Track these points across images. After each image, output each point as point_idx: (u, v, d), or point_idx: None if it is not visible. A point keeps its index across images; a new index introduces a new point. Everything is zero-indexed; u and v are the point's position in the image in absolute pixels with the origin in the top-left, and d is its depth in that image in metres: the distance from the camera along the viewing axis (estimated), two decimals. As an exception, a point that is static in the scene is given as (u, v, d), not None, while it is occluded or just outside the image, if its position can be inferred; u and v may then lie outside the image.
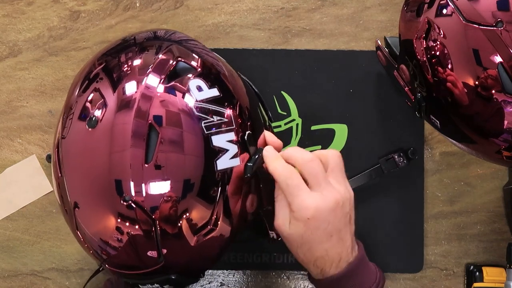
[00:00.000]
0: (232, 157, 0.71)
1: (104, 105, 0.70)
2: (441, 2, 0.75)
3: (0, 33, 1.02)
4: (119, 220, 0.68)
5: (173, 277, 0.71)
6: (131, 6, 1.02)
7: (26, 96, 1.01)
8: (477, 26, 0.72)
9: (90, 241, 0.72)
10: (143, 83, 0.70)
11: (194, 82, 0.72)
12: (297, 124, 1.00)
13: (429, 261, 0.99)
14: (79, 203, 0.70)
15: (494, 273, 0.96)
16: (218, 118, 0.71)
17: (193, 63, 0.74)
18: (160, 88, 0.70)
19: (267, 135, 0.77)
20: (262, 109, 0.85)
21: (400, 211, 0.99)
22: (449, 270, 1.00)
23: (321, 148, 0.99)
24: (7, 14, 1.02)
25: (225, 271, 0.99)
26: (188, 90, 0.71)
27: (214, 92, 0.73)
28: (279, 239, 0.79)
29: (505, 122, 0.73)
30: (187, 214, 0.69)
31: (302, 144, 1.00)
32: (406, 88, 0.86)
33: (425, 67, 0.78)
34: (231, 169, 0.71)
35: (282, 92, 1.00)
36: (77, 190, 0.71)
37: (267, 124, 0.83)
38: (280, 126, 1.00)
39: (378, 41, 0.92)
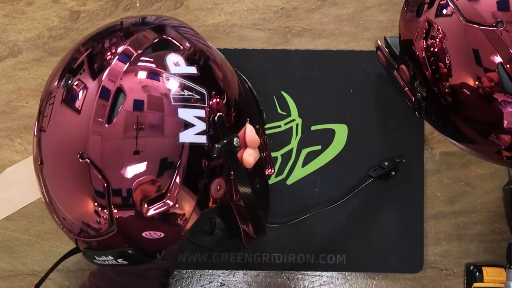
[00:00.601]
0: (198, 133, 0.70)
1: (85, 88, 0.70)
2: (441, 2, 0.75)
3: (0, 33, 1.02)
4: (74, 180, 0.69)
5: (129, 251, 0.70)
6: (131, 6, 1.02)
7: (26, 96, 1.01)
8: (477, 26, 0.72)
9: (49, 197, 0.73)
10: (115, 59, 0.70)
11: (172, 58, 0.72)
12: (297, 124, 1.00)
13: (429, 261, 0.99)
14: (45, 161, 0.71)
15: (494, 273, 0.96)
16: (189, 93, 0.71)
17: (177, 43, 0.74)
18: (130, 63, 0.70)
19: (248, 128, 0.76)
20: (257, 110, 0.85)
21: (400, 211, 0.99)
22: (449, 270, 1.00)
23: (321, 148, 1.00)
24: (7, 14, 1.02)
25: (225, 271, 0.99)
26: (163, 65, 0.71)
27: (192, 70, 0.72)
28: (255, 236, 0.79)
29: (505, 122, 0.73)
30: (142, 184, 0.68)
31: (302, 144, 1.00)
32: (406, 88, 0.86)
33: (425, 67, 0.78)
34: (196, 145, 0.70)
35: (282, 92, 1.00)
36: (47, 150, 0.72)
37: (257, 126, 0.83)
38: (280, 126, 1.00)
39: (378, 41, 0.92)
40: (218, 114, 0.72)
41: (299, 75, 1.01)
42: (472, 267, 0.98)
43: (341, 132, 1.00)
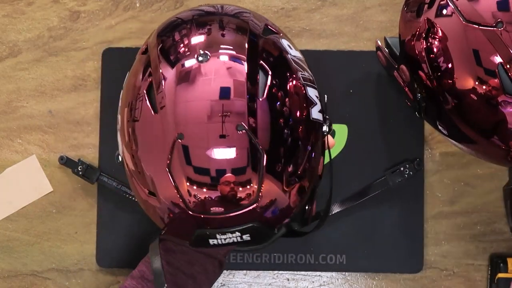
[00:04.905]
0: (319, 111, 0.76)
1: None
2: (441, 2, 0.75)
3: (0, 33, 1.02)
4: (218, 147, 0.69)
5: (257, 226, 0.72)
6: (131, 6, 1.02)
7: (26, 96, 1.01)
8: (477, 26, 0.72)
9: (186, 174, 0.71)
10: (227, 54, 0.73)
11: (284, 42, 0.78)
12: (297, 124, 1.00)
13: (429, 261, 0.99)
14: (185, 135, 0.70)
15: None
16: (308, 73, 0.77)
17: (275, 29, 0.79)
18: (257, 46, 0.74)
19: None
20: None
21: (400, 211, 0.99)
22: (449, 270, 1.00)
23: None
24: (7, 14, 1.02)
25: (225, 271, 0.99)
26: (284, 47, 0.76)
27: (299, 53, 0.79)
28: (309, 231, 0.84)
29: (506, 123, 0.73)
30: (291, 159, 0.72)
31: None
32: (406, 88, 0.86)
33: (425, 67, 0.78)
34: (319, 122, 0.76)
35: (282, 92, 1.00)
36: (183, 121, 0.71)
37: None
38: (280, 126, 1.00)
39: (378, 41, 0.92)
40: (325, 96, 0.79)
41: (299, 75, 1.01)
42: (496, 258, 0.97)
43: (341, 132, 1.00)
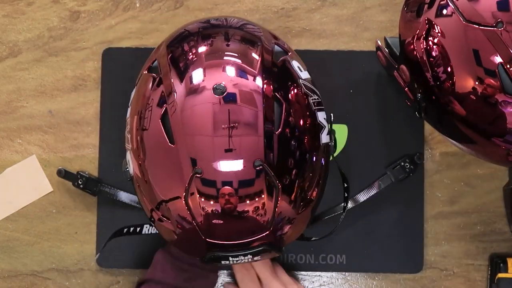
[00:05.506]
0: (327, 134, 0.77)
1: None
2: (441, 2, 0.75)
3: (0, 33, 1.02)
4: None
5: (268, 247, 0.73)
6: (131, 6, 1.02)
7: (26, 96, 1.01)
8: (477, 26, 0.72)
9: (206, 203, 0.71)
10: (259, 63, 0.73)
11: (295, 64, 0.78)
12: (297, 124, 1.00)
13: (429, 261, 0.99)
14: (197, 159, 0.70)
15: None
16: (317, 97, 0.78)
17: (286, 46, 0.80)
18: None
19: None
20: None
21: (400, 211, 0.99)
22: (449, 270, 1.00)
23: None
24: (7, 14, 1.02)
25: (225, 271, 0.99)
26: (295, 71, 0.77)
27: (307, 74, 0.79)
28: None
29: (506, 123, 0.73)
30: (303, 183, 0.74)
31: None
32: (406, 88, 0.86)
33: (425, 67, 0.78)
34: (327, 145, 0.78)
35: (282, 92, 1.00)
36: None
37: None
38: (280, 126, 1.00)
39: (378, 41, 0.92)
40: (331, 114, 0.79)
41: (299, 75, 1.00)
42: (496, 258, 0.97)
43: (341, 132, 1.00)
